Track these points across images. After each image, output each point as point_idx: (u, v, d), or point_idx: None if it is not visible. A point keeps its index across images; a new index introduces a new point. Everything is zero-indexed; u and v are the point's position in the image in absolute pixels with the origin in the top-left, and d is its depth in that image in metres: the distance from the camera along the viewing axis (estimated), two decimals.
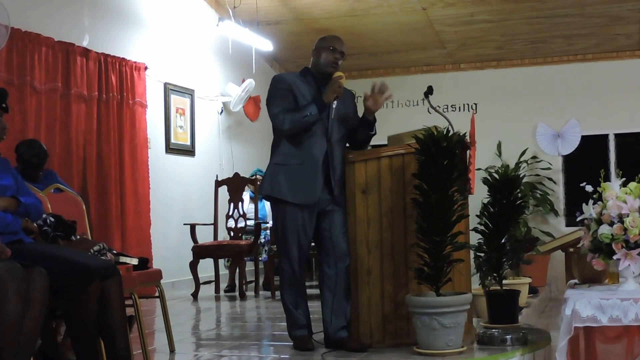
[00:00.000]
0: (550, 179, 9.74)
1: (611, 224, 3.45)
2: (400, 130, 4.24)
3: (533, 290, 6.89)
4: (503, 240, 4.38)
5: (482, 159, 8.45)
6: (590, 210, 3.60)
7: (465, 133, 4.01)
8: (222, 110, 9.14)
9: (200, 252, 7.11)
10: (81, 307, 3.02)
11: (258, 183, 7.57)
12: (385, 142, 4.19)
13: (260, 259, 7.44)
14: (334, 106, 3.99)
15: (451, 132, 3.74)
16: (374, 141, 4.33)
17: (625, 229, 3.42)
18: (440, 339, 3.63)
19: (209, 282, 7.61)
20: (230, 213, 7.50)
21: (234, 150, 9.29)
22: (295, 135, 3.96)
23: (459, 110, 10.11)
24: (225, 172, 8.67)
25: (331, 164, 3.98)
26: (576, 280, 4.09)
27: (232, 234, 7.46)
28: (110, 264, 3.30)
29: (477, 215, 4.37)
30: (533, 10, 8.58)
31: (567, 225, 9.55)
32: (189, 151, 8.46)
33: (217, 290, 7.53)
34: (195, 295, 7.03)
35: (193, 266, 7.06)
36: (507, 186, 4.33)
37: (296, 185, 3.95)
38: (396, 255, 3.95)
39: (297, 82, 4.04)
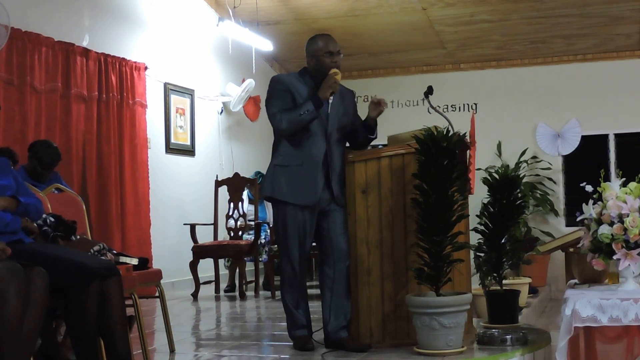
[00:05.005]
0: (550, 179, 9.73)
1: (611, 224, 3.45)
2: (400, 130, 4.24)
3: (533, 290, 6.88)
4: (503, 240, 4.37)
5: (482, 159, 8.45)
6: (590, 210, 3.60)
7: (465, 133, 4.01)
8: (222, 110, 9.14)
9: (200, 252, 7.10)
10: (81, 307, 3.02)
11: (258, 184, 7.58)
12: (385, 142, 4.20)
13: (260, 259, 7.44)
14: (330, 102, 3.99)
15: (451, 132, 3.74)
16: (374, 141, 4.33)
17: (625, 229, 3.41)
18: (440, 339, 3.63)
19: (209, 282, 7.60)
20: (230, 213, 7.50)
21: (234, 150, 9.29)
22: (295, 135, 3.97)
23: (459, 110, 10.11)
24: (225, 172, 8.67)
25: (330, 164, 3.98)
26: (576, 280, 4.08)
27: (232, 234, 7.46)
28: (110, 264, 3.30)
29: (477, 215, 4.36)
30: (533, 10, 8.57)
31: (567, 225, 9.55)
32: (189, 151, 8.46)
33: (217, 290, 7.53)
34: (195, 295, 7.03)
35: (193, 266, 7.06)
36: (507, 186, 4.33)
37: (297, 186, 3.95)
38: (396, 255, 3.95)
39: (296, 82, 4.04)
